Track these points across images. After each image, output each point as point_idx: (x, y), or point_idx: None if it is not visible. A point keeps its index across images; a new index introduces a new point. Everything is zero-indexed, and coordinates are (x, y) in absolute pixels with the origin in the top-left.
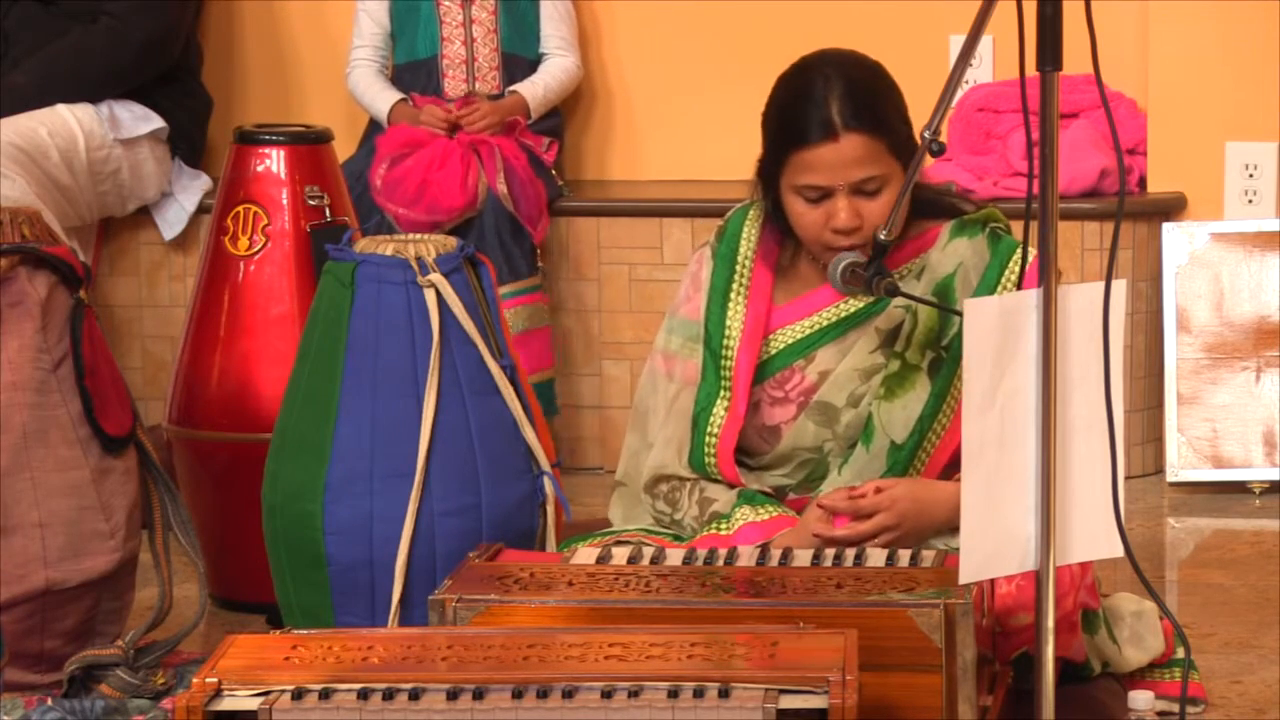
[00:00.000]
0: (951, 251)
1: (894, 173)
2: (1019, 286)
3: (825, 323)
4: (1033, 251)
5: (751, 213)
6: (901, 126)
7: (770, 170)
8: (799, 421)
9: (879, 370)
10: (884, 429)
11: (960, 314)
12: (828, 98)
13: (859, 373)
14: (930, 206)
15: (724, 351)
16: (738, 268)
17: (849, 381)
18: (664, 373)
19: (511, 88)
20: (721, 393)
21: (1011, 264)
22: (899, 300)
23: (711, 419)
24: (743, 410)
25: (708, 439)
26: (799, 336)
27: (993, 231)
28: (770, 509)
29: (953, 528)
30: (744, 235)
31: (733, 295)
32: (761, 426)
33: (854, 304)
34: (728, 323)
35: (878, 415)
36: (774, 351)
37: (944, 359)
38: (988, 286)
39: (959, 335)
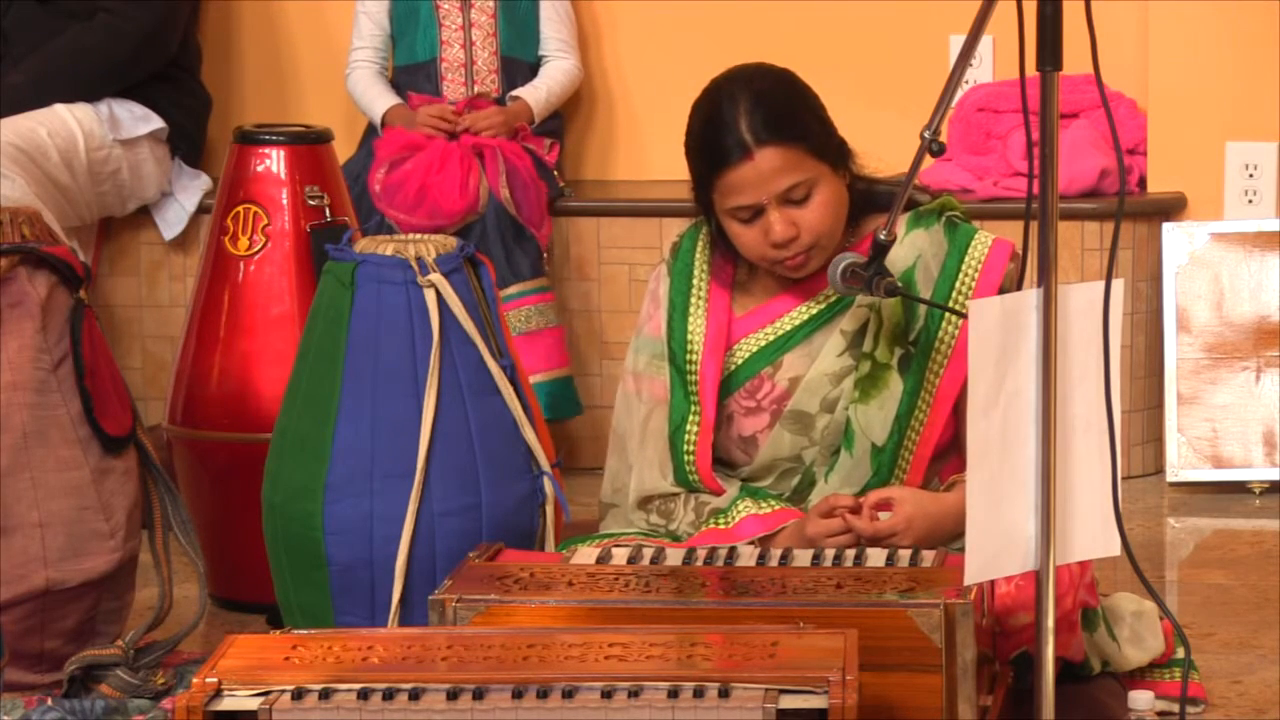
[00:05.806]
0: (910, 244)
1: (821, 175)
2: (980, 273)
3: (789, 327)
4: (992, 236)
5: (703, 231)
6: (819, 128)
7: (703, 197)
8: (775, 431)
9: (849, 373)
10: (863, 432)
11: (960, 314)
12: (736, 117)
13: (829, 377)
14: (874, 200)
15: (688, 365)
16: (694, 282)
17: (820, 387)
18: (634, 393)
19: (514, 92)
20: (692, 409)
21: (971, 251)
22: (861, 299)
23: (686, 436)
24: (712, 418)
25: (686, 457)
26: (763, 344)
27: (949, 220)
28: (773, 503)
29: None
30: (697, 251)
31: (691, 309)
32: (739, 438)
33: (815, 307)
34: (689, 336)
35: (856, 419)
36: (740, 361)
37: (913, 354)
38: (948, 276)
39: (925, 329)
